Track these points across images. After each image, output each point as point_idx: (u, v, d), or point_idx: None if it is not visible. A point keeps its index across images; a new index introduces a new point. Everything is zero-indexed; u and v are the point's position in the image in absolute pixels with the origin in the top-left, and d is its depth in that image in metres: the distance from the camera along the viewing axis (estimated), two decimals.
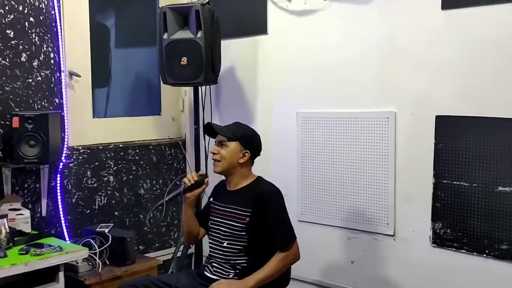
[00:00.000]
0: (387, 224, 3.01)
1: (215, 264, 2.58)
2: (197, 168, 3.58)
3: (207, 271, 2.60)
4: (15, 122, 2.94)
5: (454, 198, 2.75)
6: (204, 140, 3.61)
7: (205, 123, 3.72)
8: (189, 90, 3.98)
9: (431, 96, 2.82)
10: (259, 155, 2.66)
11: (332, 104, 3.23)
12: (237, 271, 2.50)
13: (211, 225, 2.66)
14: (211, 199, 2.72)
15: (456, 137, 2.73)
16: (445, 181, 2.78)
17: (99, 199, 3.60)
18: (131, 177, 3.79)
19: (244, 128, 2.67)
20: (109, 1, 4.04)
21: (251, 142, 2.61)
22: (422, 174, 2.86)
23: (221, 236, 2.57)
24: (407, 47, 2.91)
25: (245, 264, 2.50)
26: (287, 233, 2.52)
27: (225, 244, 2.55)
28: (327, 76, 3.25)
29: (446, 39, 2.76)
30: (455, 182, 2.74)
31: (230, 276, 2.51)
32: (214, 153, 2.58)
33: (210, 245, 2.65)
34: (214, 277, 2.54)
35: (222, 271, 2.54)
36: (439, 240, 2.82)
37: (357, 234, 3.16)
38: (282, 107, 3.51)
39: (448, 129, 2.76)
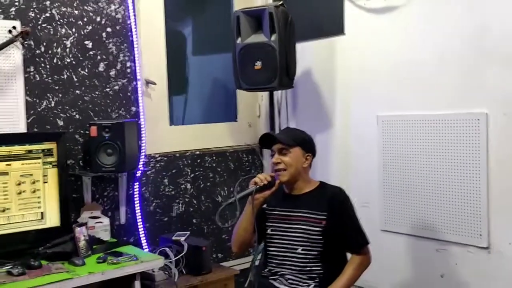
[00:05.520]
0: (480, 235, 2.76)
1: (288, 276, 2.45)
2: None
3: (280, 283, 2.46)
4: (93, 131, 2.98)
5: None
6: None
7: (282, 128, 3.66)
8: (265, 95, 3.90)
9: None
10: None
11: (415, 106, 3.03)
12: (317, 280, 2.39)
13: (272, 232, 2.54)
14: (264, 205, 2.58)
15: None
16: None
17: (176, 207, 3.59)
18: (208, 184, 3.76)
19: (299, 132, 2.63)
20: (186, 9, 4.05)
21: (310, 145, 2.57)
22: None
23: (293, 242, 2.45)
24: (499, 40, 2.66)
25: (322, 272, 2.39)
26: (362, 236, 2.47)
27: (299, 251, 2.43)
28: (409, 76, 3.05)
29: None
30: None
31: (311, 287, 2.39)
32: (277, 163, 2.48)
33: (275, 253, 2.51)
34: None
35: (299, 283, 2.41)
36: None
37: (446, 245, 2.92)
38: (361, 110, 3.35)
39: None
